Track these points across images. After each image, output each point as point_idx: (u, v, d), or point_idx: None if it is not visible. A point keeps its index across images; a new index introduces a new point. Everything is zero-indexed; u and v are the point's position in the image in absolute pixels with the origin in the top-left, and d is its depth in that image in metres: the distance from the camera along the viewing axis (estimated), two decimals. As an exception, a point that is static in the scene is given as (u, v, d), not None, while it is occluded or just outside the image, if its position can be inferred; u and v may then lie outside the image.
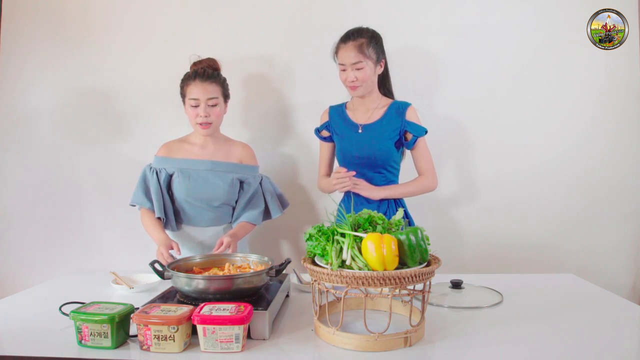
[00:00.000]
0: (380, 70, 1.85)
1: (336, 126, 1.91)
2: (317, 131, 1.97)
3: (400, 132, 1.82)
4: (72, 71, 2.29)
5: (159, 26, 2.28)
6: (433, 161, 1.88)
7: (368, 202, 1.82)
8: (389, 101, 1.89)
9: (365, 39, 1.78)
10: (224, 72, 1.87)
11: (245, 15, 2.26)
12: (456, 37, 2.23)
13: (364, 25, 1.82)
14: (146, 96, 2.28)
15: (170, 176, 1.80)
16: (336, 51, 1.83)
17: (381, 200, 1.82)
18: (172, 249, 1.60)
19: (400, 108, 1.85)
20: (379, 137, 1.82)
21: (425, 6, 2.23)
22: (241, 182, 1.85)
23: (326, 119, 1.95)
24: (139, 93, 2.29)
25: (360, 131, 1.84)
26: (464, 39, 2.23)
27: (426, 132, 1.83)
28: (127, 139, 2.30)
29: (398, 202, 1.87)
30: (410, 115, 1.84)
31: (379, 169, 1.84)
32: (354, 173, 1.77)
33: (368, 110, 1.87)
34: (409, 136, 1.83)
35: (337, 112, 1.93)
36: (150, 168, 1.81)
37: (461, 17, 2.22)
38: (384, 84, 1.91)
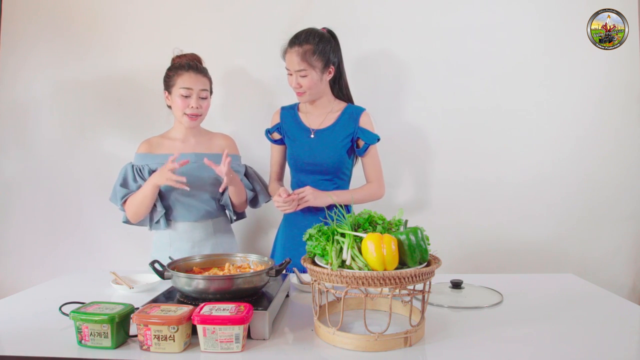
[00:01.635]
0: (329, 76, 1.78)
1: (288, 129, 1.85)
2: (268, 133, 1.91)
3: (352, 139, 1.79)
4: (72, 69, 2.29)
5: (159, 24, 2.28)
6: (382, 169, 1.85)
7: (316, 207, 1.76)
8: (342, 105, 1.84)
9: (310, 46, 1.70)
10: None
11: (245, 14, 2.26)
12: (456, 38, 2.23)
13: (316, 27, 1.77)
14: (147, 95, 2.28)
15: (154, 172, 1.77)
16: (284, 54, 1.77)
17: (329, 206, 1.72)
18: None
19: (354, 113, 1.81)
20: (332, 144, 1.78)
21: (425, 7, 2.23)
22: None
23: (277, 120, 1.89)
24: (139, 92, 2.29)
25: (312, 136, 1.80)
26: (464, 39, 2.23)
27: (378, 139, 1.80)
28: (128, 138, 2.29)
29: (346, 208, 1.79)
30: (363, 121, 1.80)
31: (330, 175, 1.80)
32: (295, 197, 1.68)
33: (321, 115, 1.83)
34: (361, 143, 1.79)
35: (290, 114, 1.87)
36: (133, 166, 1.80)
37: (460, 18, 2.22)
38: (338, 87, 1.86)
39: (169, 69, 1.81)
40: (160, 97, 2.21)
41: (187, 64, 1.78)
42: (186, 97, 1.75)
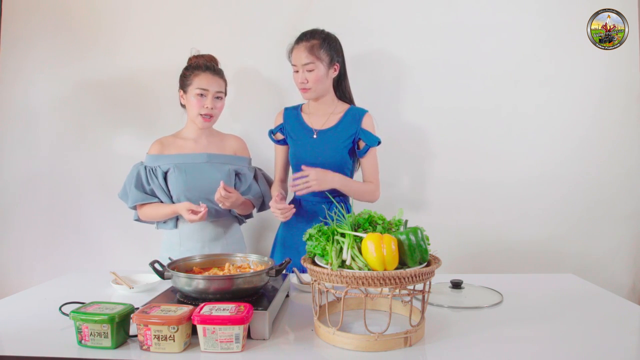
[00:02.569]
0: (334, 73, 1.80)
1: (291, 129, 1.86)
2: (271, 133, 1.92)
3: (354, 140, 1.80)
4: (72, 70, 2.29)
5: (160, 24, 2.28)
6: (379, 172, 1.85)
7: (315, 208, 1.78)
8: (345, 107, 1.86)
9: (317, 41, 1.74)
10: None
11: (246, 14, 2.26)
12: (455, 38, 2.23)
13: (320, 28, 1.81)
14: (147, 95, 2.28)
15: (166, 173, 1.79)
16: (290, 52, 1.80)
17: (329, 203, 1.76)
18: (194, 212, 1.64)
19: (356, 115, 1.82)
20: (334, 144, 1.79)
21: (425, 7, 2.23)
22: (237, 174, 1.86)
23: (281, 121, 1.90)
24: (140, 92, 2.29)
25: (315, 136, 1.81)
26: (464, 39, 2.23)
27: (379, 142, 1.81)
28: (128, 139, 2.30)
29: (346, 208, 1.81)
30: (366, 123, 1.81)
31: None
32: (291, 207, 1.68)
33: (324, 115, 1.84)
34: (362, 144, 1.80)
35: (293, 115, 1.89)
36: (145, 167, 1.80)
37: (460, 18, 2.22)
38: (340, 88, 1.88)
39: (186, 69, 1.82)
40: (162, 98, 2.22)
41: (205, 65, 1.80)
42: (201, 96, 1.77)
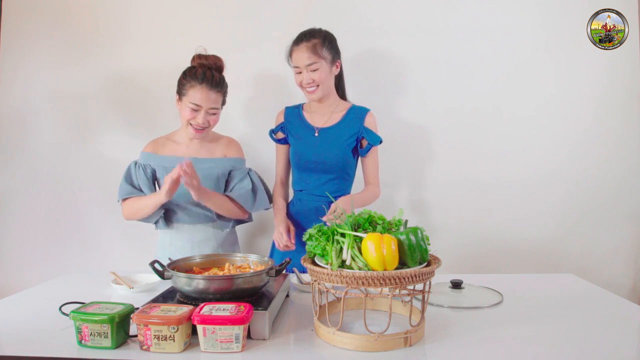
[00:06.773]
0: (336, 71, 1.80)
1: (292, 128, 1.86)
2: (272, 133, 1.91)
3: (357, 139, 1.80)
4: (72, 70, 2.29)
5: (160, 23, 2.28)
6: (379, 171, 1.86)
7: (317, 213, 1.73)
8: (347, 105, 1.86)
9: (318, 40, 1.73)
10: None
11: (245, 14, 2.26)
12: (456, 38, 2.23)
13: (317, 27, 1.80)
14: (148, 95, 2.28)
15: (155, 173, 1.78)
16: (290, 54, 1.78)
17: (329, 202, 1.72)
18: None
19: (359, 113, 1.82)
20: (336, 142, 1.78)
21: (424, 7, 2.23)
22: (229, 172, 1.82)
23: (281, 120, 1.90)
24: (140, 92, 2.29)
25: (316, 134, 1.81)
26: (464, 39, 2.23)
27: (381, 141, 1.81)
28: (127, 139, 2.30)
29: None
30: (368, 122, 1.81)
31: (333, 174, 1.80)
32: (293, 245, 1.71)
33: (326, 114, 1.84)
34: (364, 143, 1.80)
35: (294, 114, 1.88)
36: (136, 164, 1.80)
37: (460, 18, 2.23)
38: (339, 87, 1.88)
39: (184, 75, 1.74)
40: (161, 98, 2.21)
41: (203, 75, 1.69)
42: (195, 110, 1.70)
